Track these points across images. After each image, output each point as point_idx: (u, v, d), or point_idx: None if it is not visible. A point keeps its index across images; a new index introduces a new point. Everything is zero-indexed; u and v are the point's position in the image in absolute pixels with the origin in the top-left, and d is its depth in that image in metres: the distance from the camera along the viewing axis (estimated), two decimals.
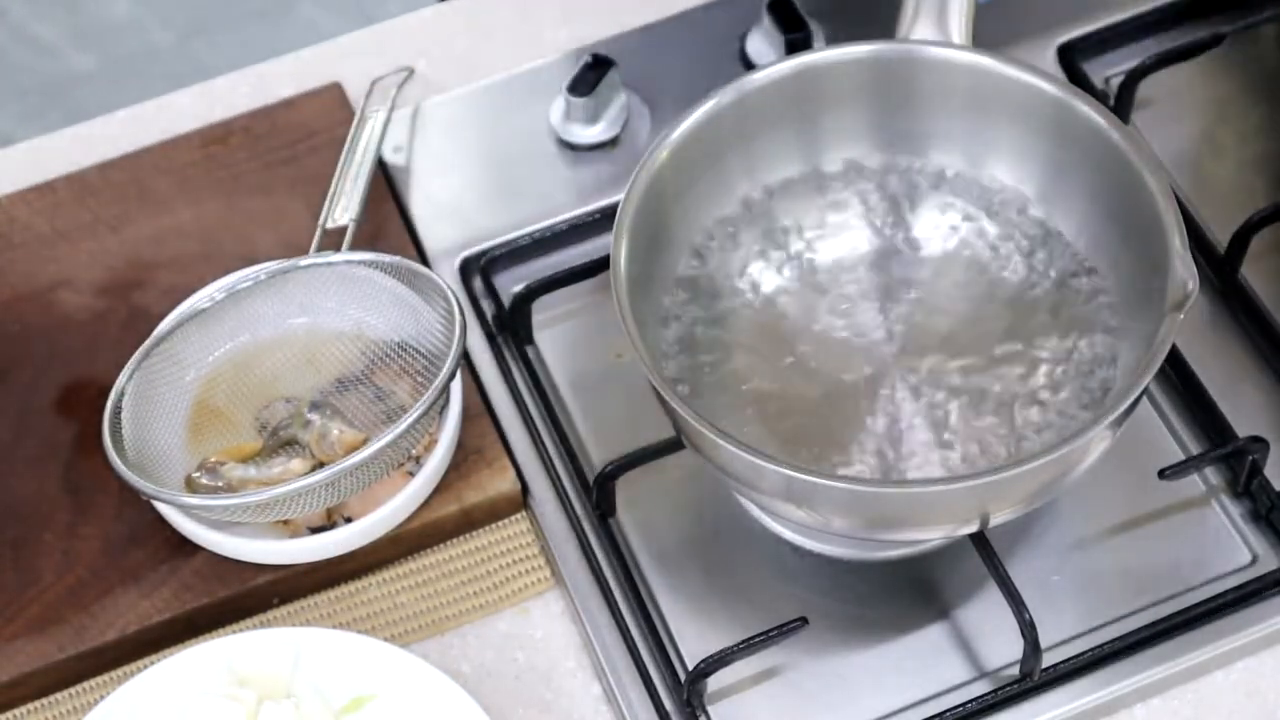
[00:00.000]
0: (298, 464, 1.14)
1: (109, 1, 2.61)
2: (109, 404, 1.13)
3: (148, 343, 1.16)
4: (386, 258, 1.17)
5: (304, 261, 1.18)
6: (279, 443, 1.16)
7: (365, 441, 1.12)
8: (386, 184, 1.29)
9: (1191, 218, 1.25)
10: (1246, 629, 1.12)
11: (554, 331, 1.24)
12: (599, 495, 1.16)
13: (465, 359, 1.21)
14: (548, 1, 1.39)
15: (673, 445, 1.14)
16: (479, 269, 1.26)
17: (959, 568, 1.14)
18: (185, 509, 1.12)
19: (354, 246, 1.21)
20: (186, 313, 1.18)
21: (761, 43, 1.33)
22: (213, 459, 1.15)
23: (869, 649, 1.13)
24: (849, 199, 1.18)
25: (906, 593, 1.14)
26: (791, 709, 1.11)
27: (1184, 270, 1.06)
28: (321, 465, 1.13)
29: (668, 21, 1.37)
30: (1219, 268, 1.23)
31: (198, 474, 1.14)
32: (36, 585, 1.15)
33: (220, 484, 1.13)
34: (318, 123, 1.31)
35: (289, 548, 1.14)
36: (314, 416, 1.15)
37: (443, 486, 1.17)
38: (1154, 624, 1.11)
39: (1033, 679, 1.10)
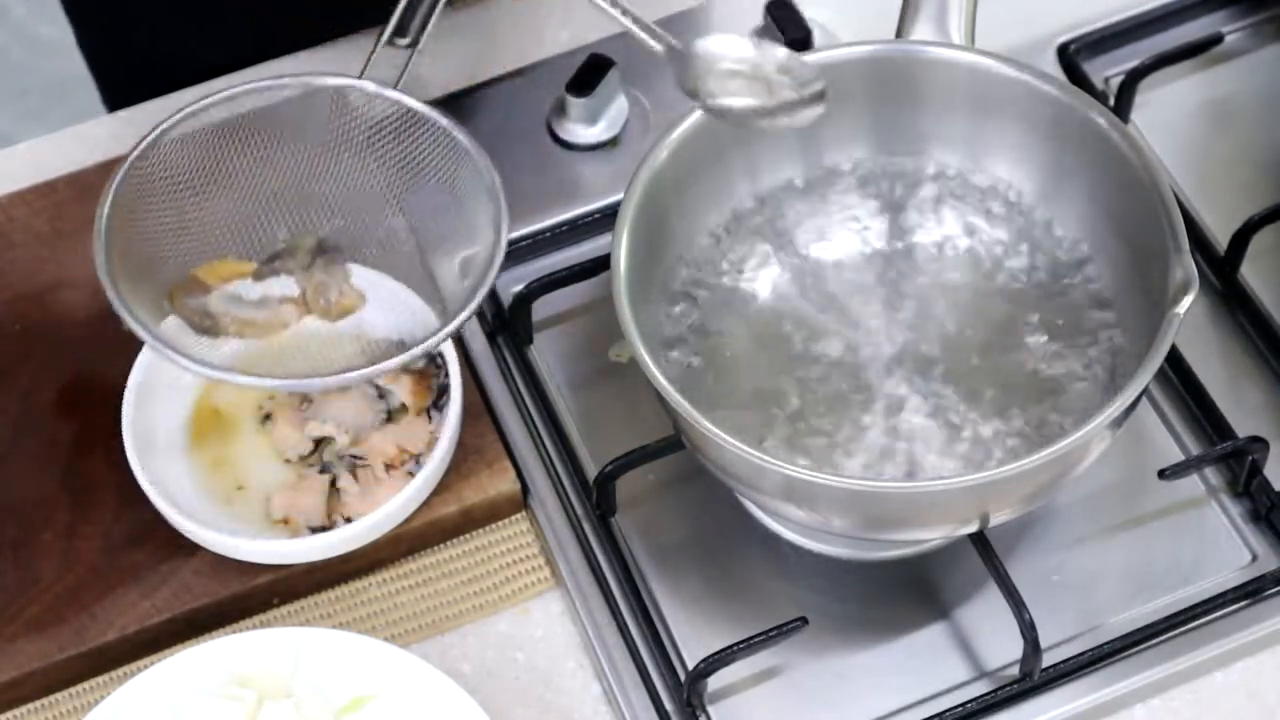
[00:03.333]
0: (288, 310, 1.11)
1: None
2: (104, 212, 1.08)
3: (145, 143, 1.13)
4: (431, 112, 1.12)
5: (356, 84, 1.12)
6: (270, 272, 1.11)
7: (357, 304, 1.09)
8: None
9: (1191, 218, 1.25)
10: (1246, 629, 1.12)
11: (554, 331, 1.24)
12: (599, 495, 1.16)
13: (465, 360, 1.21)
14: (548, 2, 1.39)
15: (673, 445, 1.14)
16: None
17: (959, 568, 1.14)
18: (169, 348, 1.06)
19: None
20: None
21: None
22: (200, 275, 1.09)
23: (869, 649, 1.13)
24: (849, 198, 1.18)
25: (906, 593, 1.14)
26: (791, 709, 1.11)
27: (1184, 270, 1.06)
28: (308, 314, 1.10)
29: (668, 21, 1.36)
30: (1219, 268, 1.23)
31: (183, 295, 1.09)
32: (36, 585, 1.15)
33: (203, 312, 1.09)
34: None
35: (289, 548, 1.14)
36: (318, 261, 1.11)
37: (443, 486, 1.17)
38: (1154, 624, 1.11)
39: (1033, 679, 1.10)
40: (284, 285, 1.13)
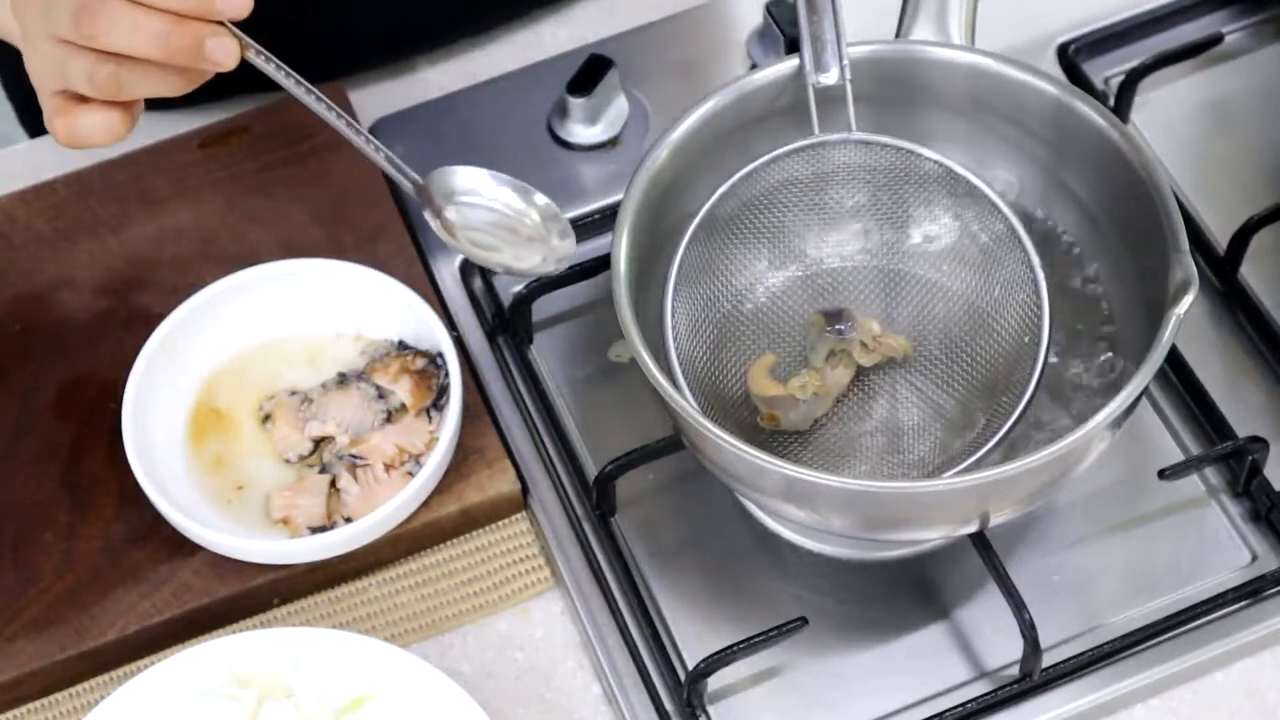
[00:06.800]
0: (840, 371, 1.12)
1: None
2: None
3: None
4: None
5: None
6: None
7: (897, 340, 1.12)
8: (387, 184, 1.29)
9: (1191, 218, 1.25)
10: (1246, 629, 1.12)
11: (554, 331, 1.24)
12: (599, 495, 1.16)
13: (465, 360, 1.21)
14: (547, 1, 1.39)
15: (673, 445, 1.14)
16: (479, 269, 1.26)
17: (959, 568, 1.14)
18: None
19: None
20: (187, 313, 1.18)
21: (761, 43, 1.33)
22: (760, 390, 1.12)
23: (869, 649, 1.13)
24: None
25: (906, 593, 1.14)
26: (791, 709, 1.11)
27: (1184, 270, 1.06)
28: (862, 367, 1.13)
29: (668, 21, 1.37)
30: (1219, 268, 1.23)
31: (780, 413, 1.12)
32: (36, 585, 1.15)
33: (804, 415, 1.12)
34: (318, 123, 1.30)
35: (289, 548, 1.14)
36: (841, 329, 1.12)
37: (443, 486, 1.17)
38: (1154, 624, 1.11)
39: (1033, 679, 1.10)
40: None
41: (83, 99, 1.03)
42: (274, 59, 1.04)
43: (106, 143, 1.04)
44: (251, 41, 1.03)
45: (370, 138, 1.07)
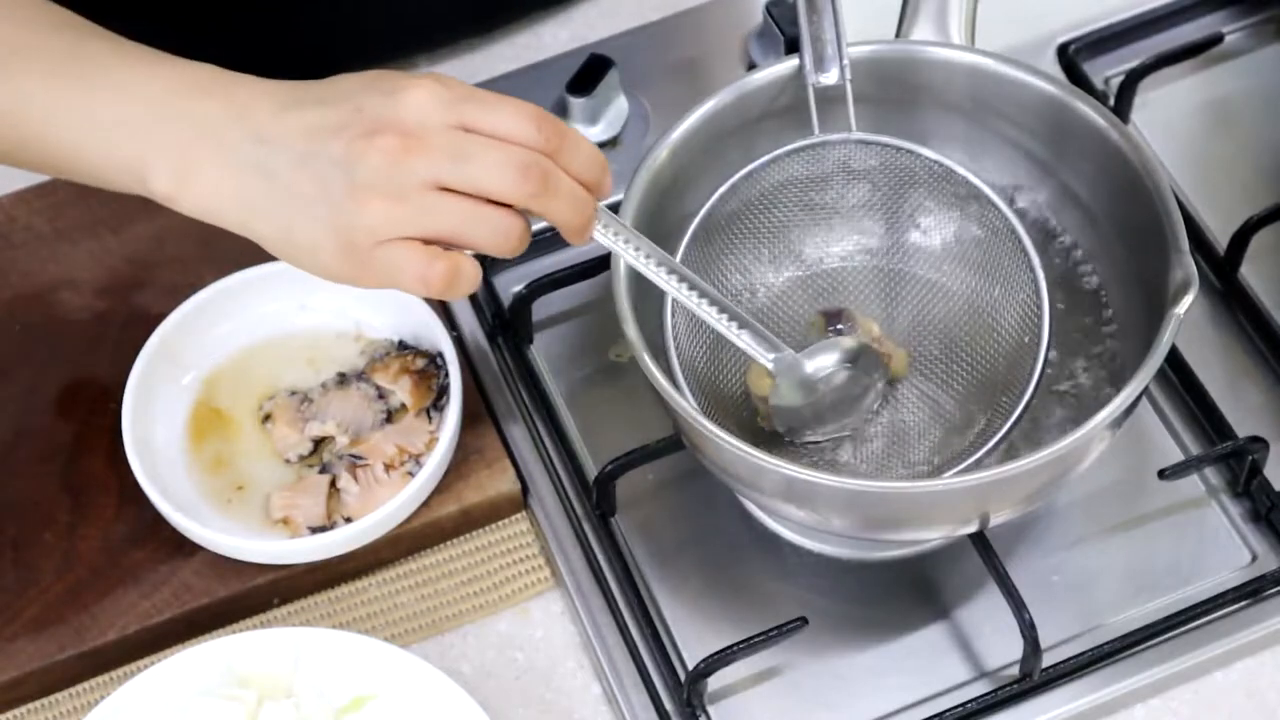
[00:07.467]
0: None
1: None
2: None
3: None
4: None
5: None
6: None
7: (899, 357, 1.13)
8: None
9: (1191, 218, 1.25)
10: (1246, 629, 1.12)
11: (554, 331, 1.24)
12: (599, 495, 1.16)
13: (465, 360, 1.21)
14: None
15: (673, 445, 1.14)
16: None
17: (959, 568, 1.14)
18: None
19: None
20: (187, 313, 1.18)
21: (761, 43, 1.33)
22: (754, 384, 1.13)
23: (869, 649, 1.13)
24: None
25: (906, 593, 1.14)
26: (791, 709, 1.11)
27: (1184, 270, 1.06)
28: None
29: (668, 21, 1.37)
30: (1219, 268, 1.23)
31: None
32: (36, 585, 1.15)
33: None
34: None
35: (289, 548, 1.14)
36: (841, 329, 1.13)
37: (443, 486, 1.17)
38: (1154, 624, 1.11)
39: (1033, 679, 1.10)
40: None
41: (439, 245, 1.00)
42: (617, 225, 1.06)
43: (468, 292, 1.01)
44: (604, 211, 1.05)
45: (733, 309, 1.07)
